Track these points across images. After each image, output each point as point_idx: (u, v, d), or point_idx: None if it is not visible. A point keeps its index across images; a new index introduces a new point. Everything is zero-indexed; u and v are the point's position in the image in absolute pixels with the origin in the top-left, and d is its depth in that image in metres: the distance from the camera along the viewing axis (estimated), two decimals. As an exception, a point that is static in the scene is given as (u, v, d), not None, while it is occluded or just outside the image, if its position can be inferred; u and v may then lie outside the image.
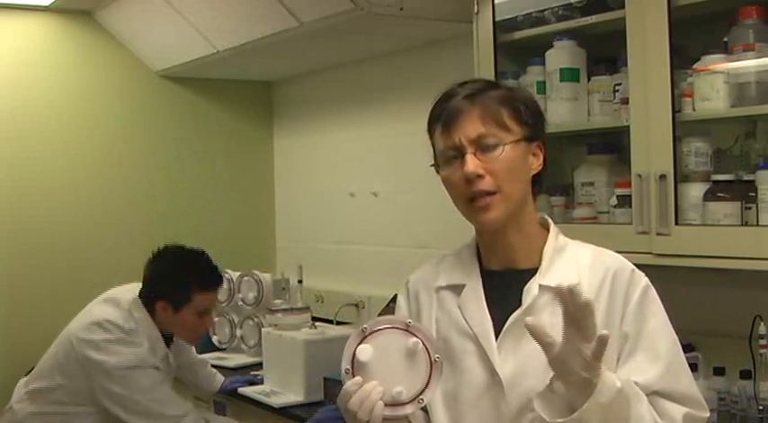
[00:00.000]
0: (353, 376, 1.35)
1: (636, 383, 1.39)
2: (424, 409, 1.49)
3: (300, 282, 3.48)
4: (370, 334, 1.37)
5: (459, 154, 1.44)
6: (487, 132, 1.43)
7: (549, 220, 1.55)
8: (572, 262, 1.48)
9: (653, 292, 1.47)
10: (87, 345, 2.58)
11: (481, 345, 1.46)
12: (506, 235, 1.49)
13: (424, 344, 1.36)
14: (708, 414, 1.46)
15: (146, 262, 2.75)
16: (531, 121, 1.48)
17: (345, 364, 1.36)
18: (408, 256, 3.41)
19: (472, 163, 1.42)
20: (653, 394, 1.40)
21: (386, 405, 1.34)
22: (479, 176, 1.42)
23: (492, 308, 1.48)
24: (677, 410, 1.40)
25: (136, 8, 3.74)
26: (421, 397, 1.35)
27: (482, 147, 1.43)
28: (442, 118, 1.47)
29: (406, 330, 1.37)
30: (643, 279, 1.47)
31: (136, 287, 2.74)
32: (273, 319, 3.21)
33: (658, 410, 1.39)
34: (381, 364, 1.35)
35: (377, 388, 1.34)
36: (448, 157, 1.47)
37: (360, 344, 1.36)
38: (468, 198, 1.45)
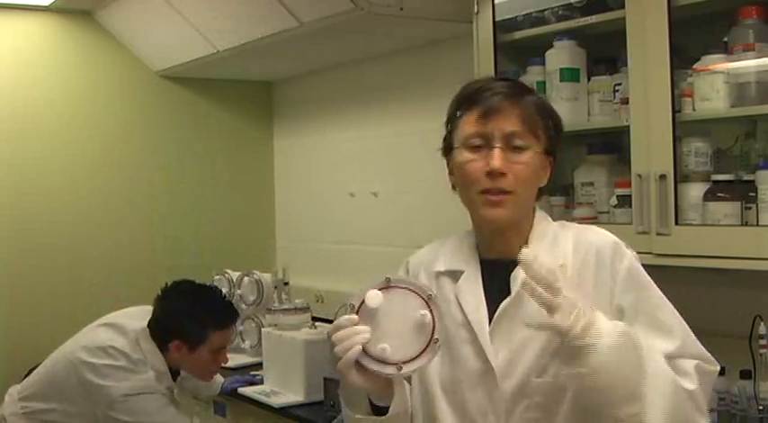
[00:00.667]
0: (356, 314, 1.35)
1: None
2: (408, 380, 1.50)
3: (287, 283, 3.47)
4: (391, 287, 1.36)
5: (487, 145, 1.45)
6: (521, 133, 1.45)
7: (537, 208, 1.57)
8: (557, 245, 1.50)
9: (638, 263, 1.49)
10: (91, 369, 2.53)
11: (475, 333, 1.47)
12: (505, 234, 1.51)
13: (433, 321, 1.34)
14: (718, 368, 1.46)
15: (156, 297, 2.68)
16: (554, 136, 1.51)
17: (353, 301, 1.35)
18: (408, 256, 3.40)
19: (500, 159, 1.44)
20: (666, 358, 1.41)
21: (366, 354, 1.33)
22: (502, 174, 1.44)
23: (488, 296, 1.50)
24: (688, 364, 1.41)
25: (136, 8, 3.74)
26: (402, 365, 1.33)
27: (511, 146, 1.45)
28: (479, 105, 1.47)
29: (425, 301, 1.35)
30: (627, 251, 1.48)
31: (140, 313, 2.68)
32: (273, 319, 3.21)
33: (672, 368, 1.40)
34: (384, 318, 1.34)
35: (365, 333, 1.33)
36: (472, 144, 1.47)
37: (378, 291, 1.35)
38: (482, 190, 1.46)
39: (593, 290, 1.44)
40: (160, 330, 2.62)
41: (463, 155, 1.48)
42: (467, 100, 1.50)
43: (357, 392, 1.40)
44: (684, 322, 1.47)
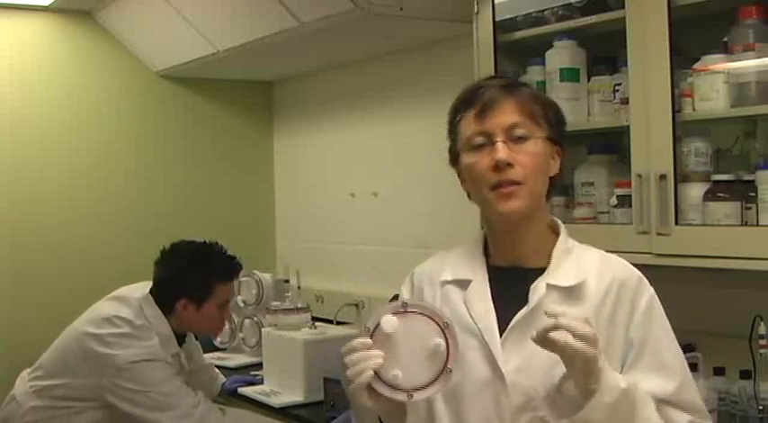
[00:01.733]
0: (369, 338, 1.34)
1: None
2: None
3: (280, 279, 3.48)
4: (408, 312, 1.35)
5: (489, 141, 1.45)
6: (521, 123, 1.45)
7: (560, 223, 1.56)
8: (580, 264, 1.48)
9: (657, 301, 1.48)
10: (96, 339, 2.55)
11: (485, 340, 1.45)
12: (518, 232, 1.50)
13: (447, 350, 1.34)
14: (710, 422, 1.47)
15: (156, 261, 2.69)
16: (556, 123, 1.51)
17: (369, 324, 1.35)
18: (408, 256, 3.40)
19: (504, 151, 1.43)
20: (659, 402, 1.41)
21: (378, 378, 1.33)
22: (509, 165, 1.43)
23: (497, 304, 1.48)
24: (682, 418, 1.42)
25: (136, 8, 3.75)
26: (413, 393, 1.33)
27: (513, 137, 1.44)
28: (475, 104, 1.47)
29: (441, 329, 1.34)
30: (649, 288, 1.48)
31: (142, 286, 2.70)
32: (273, 319, 3.21)
33: (664, 417, 1.40)
34: (398, 343, 1.34)
35: (378, 358, 1.33)
36: (475, 144, 1.46)
37: (392, 314, 1.34)
38: (493, 185, 1.45)
39: (610, 321, 1.44)
40: (165, 292, 2.63)
41: (469, 157, 1.47)
42: (463, 103, 1.50)
43: (368, 413, 1.40)
44: (686, 364, 1.48)
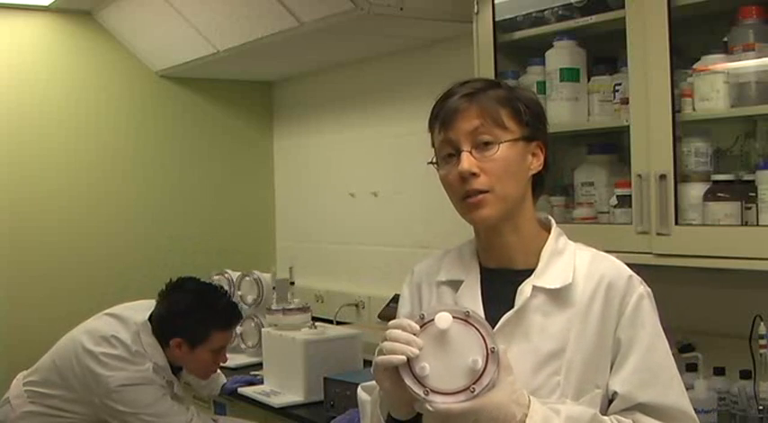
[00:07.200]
0: (420, 326, 1.34)
1: (619, 394, 1.41)
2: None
3: (292, 283, 3.46)
4: (466, 320, 1.35)
5: (456, 152, 1.45)
6: (484, 129, 1.44)
7: (552, 221, 1.55)
8: (569, 265, 1.47)
9: (648, 301, 1.46)
10: (91, 356, 2.56)
11: None
12: (502, 235, 1.49)
13: (482, 373, 1.33)
14: None
15: (159, 293, 2.68)
16: (531, 120, 1.48)
17: (425, 312, 1.36)
18: (408, 256, 3.41)
19: (467, 161, 1.43)
20: (635, 409, 1.40)
21: (407, 366, 1.33)
22: (473, 175, 1.43)
23: (487, 306, 1.48)
24: None
25: (136, 8, 3.74)
26: (428, 391, 1.32)
27: (478, 145, 1.44)
28: (440, 116, 1.47)
29: (487, 352, 1.34)
30: (640, 287, 1.46)
31: (145, 307, 2.69)
32: (273, 319, 3.20)
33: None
34: (442, 344, 1.34)
35: (416, 349, 1.32)
36: (445, 155, 1.47)
37: (450, 315, 1.34)
38: (462, 196, 1.45)
39: (600, 321, 1.43)
40: (162, 327, 2.62)
41: (442, 169, 1.48)
42: (432, 116, 1.50)
43: (385, 397, 1.41)
44: (675, 367, 1.46)
